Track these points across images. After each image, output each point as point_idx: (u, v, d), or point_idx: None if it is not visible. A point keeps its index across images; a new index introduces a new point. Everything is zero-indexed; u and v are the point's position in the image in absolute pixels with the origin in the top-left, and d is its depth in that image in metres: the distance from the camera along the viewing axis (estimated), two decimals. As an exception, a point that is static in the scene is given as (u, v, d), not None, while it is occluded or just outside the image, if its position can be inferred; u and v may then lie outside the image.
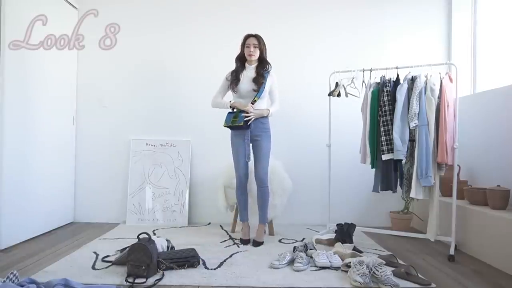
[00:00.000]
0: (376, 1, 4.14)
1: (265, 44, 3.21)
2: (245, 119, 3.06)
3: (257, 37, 3.18)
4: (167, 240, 2.85)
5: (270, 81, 3.21)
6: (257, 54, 3.17)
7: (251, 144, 3.21)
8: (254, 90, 3.13)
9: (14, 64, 3.05)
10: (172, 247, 2.83)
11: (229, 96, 3.30)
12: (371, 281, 2.29)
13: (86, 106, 4.09)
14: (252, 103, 3.12)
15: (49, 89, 3.57)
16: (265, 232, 3.33)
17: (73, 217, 4.03)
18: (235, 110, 3.15)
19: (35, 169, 3.35)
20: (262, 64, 3.21)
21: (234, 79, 3.20)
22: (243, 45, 3.20)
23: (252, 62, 3.21)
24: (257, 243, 3.16)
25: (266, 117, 3.21)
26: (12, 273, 2.04)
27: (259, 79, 3.15)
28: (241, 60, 3.25)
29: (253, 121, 3.11)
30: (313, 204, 4.02)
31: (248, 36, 3.19)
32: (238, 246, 3.14)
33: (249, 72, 3.20)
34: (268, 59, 3.24)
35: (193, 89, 4.07)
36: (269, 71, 3.22)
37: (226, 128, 3.20)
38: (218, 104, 3.26)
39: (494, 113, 3.27)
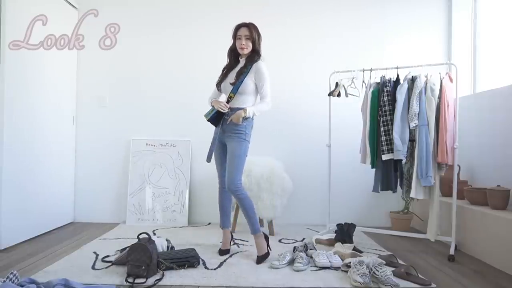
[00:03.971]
0: (376, 1, 4.14)
1: (259, 33, 2.80)
2: (215, 116, 2.72)
3: (249, 26, 2.75)
4: (167, 240, 2.85)
5: (253, 72, 2.72)
6: (249, 46, 2.75)
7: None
8: (231, 84, 2.73)
9: (14, 64, 3.05)
10: (172, 247, 2.84)
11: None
12: (371, 281, 2.29)
13: (86, 106, 4.09)
14: (227, 102, 2.73)
15: (49, 89, 3.57)
16: (268, 243, 2.82)
17: (73, 217, 4.03)
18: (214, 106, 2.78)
19: (35, 169, 3.35)
20: (252, 56, 2.77)
21: (221, 75, 2.86)
22: (235, 36, 2.80)
23: (244, 56, 2.82)
24: (260, 259, 2.71)
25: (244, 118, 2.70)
26: (12, 273, 2.04)
27: (241, 71, 2.74)
28: (235, 54, 2.86)
29: (227, 121, 2.73)
30: (313, 204, 4.02)
31: (239, 27, 2.78)
32: (238, 246, 3.13)
33: (240, 66, 2.82)
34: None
35: (193, 89, 4.06)
36: (256, 61, 2.76)
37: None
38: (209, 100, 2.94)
39: (494, 113, 3.27)
